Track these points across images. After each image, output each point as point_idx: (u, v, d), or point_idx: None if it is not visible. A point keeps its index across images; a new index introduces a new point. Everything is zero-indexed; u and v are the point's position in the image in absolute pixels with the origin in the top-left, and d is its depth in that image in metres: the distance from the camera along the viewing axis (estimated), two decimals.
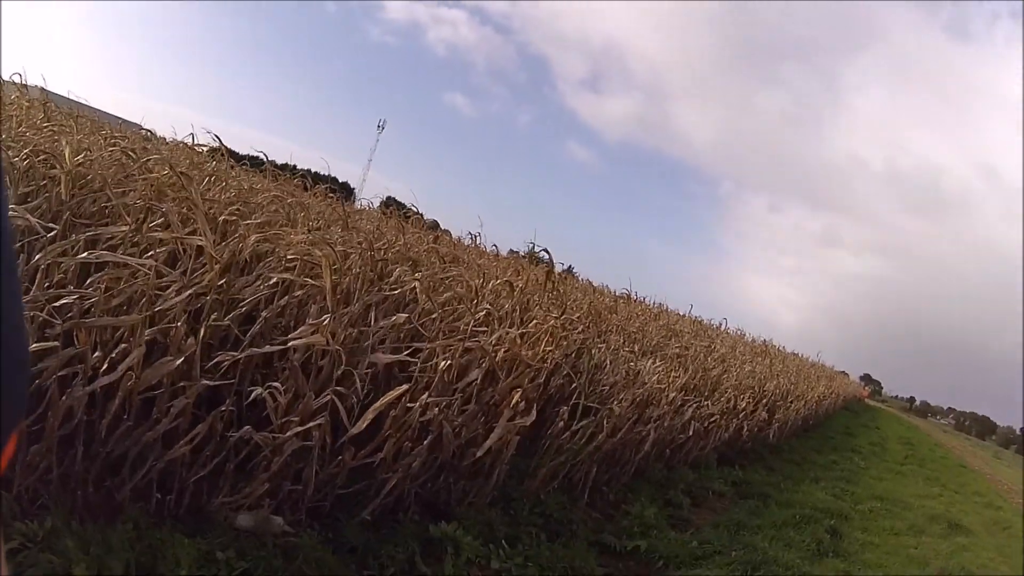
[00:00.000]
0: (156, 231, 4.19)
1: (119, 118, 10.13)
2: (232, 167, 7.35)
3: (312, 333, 3.96)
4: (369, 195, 38.64)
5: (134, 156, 4.92)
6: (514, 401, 5.02)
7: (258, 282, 4.55)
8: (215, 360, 3.98)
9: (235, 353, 4.01)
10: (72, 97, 8.82)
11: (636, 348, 8.76)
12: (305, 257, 4.73)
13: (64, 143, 4.58)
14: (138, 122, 8.67)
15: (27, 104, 6.30)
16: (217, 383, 3.95)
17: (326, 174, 12.61)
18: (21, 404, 0.56)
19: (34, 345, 3.50)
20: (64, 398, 3.64)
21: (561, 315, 6.09)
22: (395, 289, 5.02)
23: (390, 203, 9.78)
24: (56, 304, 3.67)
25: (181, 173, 4.55)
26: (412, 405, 4.43)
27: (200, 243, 3.89)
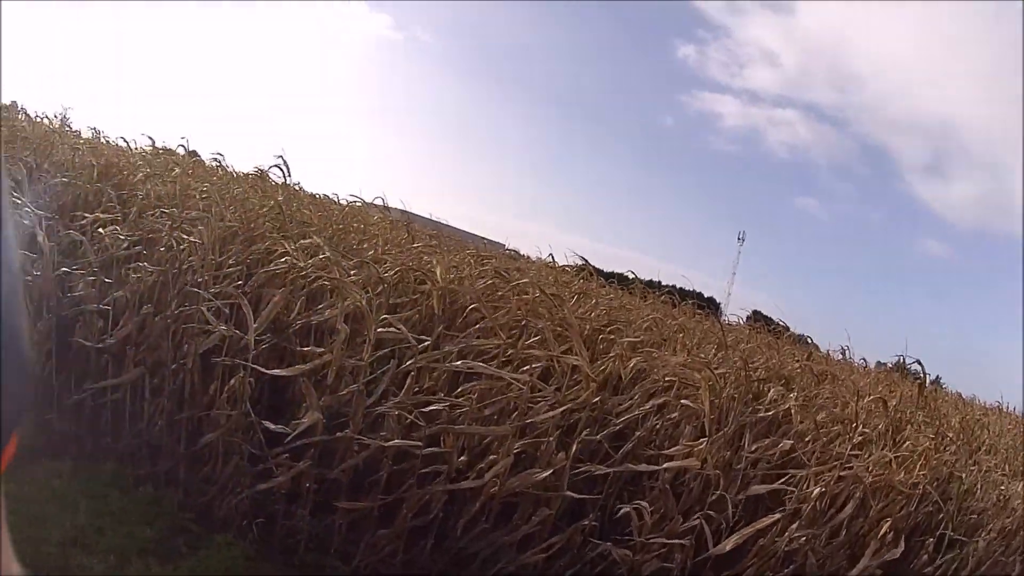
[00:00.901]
0: (532, 348, 4.32)
1: (481, 237, 10.96)
2: (602, 285, 7.59)
3: (686, 455, 3.81)
4: (734, 309, 38.57)
5: (506, 276, 5.19)
6: (882, 532, 4.44)
7: (631, 402, 4.51)
8: (582, 472, 3.97)
9: (604, 467, 3.99)
10: (433, 218, 9.65)
11: (1007, 468, 7.49)
12: (682, 378, 4.61)
13: (435, 261, 4.96)
14: (501, 241, 9.27)
15: (390, 225, 7.00)
16: (582, 496, 3.92)
17: (691, 289, 12.66)
18: (22, 405, 0.54)
19: (398, 440, 3.76)
20: (423, 492, 3.84)
21: (935, 435, 5.36)
22: (769, 410, 4.71)
23: (757, 317, 9.48)
24: (424, 409, 3.86)
25: (552, 295, 4.73)
26: (780, 537, 4.04)
27: (576, 362, 3.94)
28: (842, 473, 4.37)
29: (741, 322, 10.53)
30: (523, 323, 4.59)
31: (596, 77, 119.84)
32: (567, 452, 3.89)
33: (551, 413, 3.86)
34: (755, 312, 9.92)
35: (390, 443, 3.76)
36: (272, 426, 3.77)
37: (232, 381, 3.95)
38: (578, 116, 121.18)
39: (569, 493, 3.93)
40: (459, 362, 4.13)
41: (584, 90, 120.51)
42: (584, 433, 4.06)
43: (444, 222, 9.68)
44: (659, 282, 14.88)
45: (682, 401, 4.50)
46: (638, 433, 4.39)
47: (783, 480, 4.31)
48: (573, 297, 6.10)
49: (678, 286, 10.26)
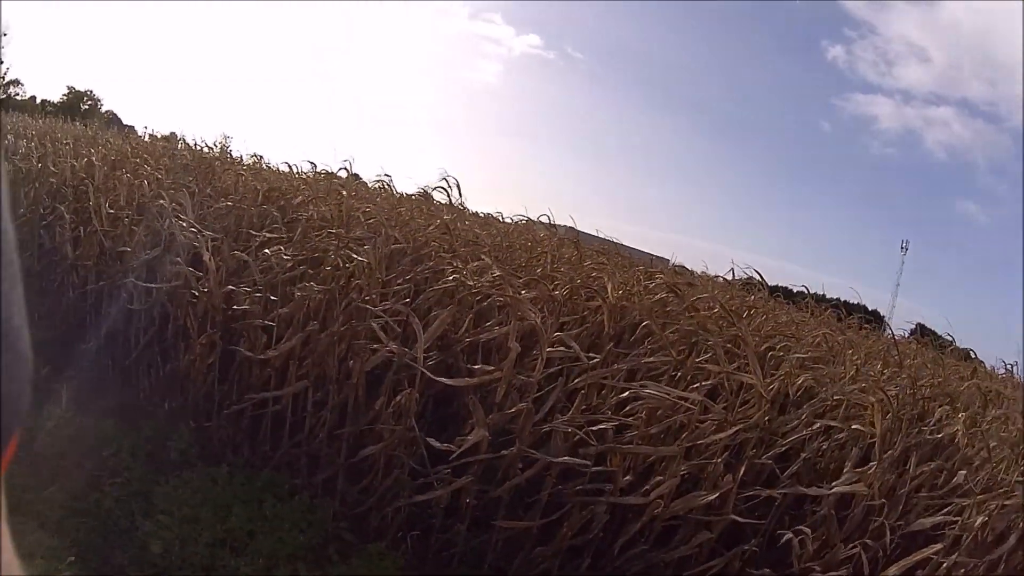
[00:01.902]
0: (702, 364, 4.35)
1: (646, 252, 10.95)
2: (773, 300, 7.58)
3: (855, 481, 3.78)
4: (899, 322, 37.45)
5: (679, 292, 5.25)
6: None
7: (797, 422, 4.48)
8: (747, 495, 3.97)
9: (771, 490, 3.98)
10: (601, 235, 9.61)
11: None
12: (850, 398, 4.58)
13: (605, 278, 5.05)
14: (667, 257, 9.24)
15: (558, 242, 7.13)
16: (744, 520, 3.91)
17: (856, 303, 12.41)
18: (22, 406, 0.53)
19: (566, 458, 3.83)
20: (584, 512, 3.89)
21: None
22: (935, 432, 4.62)
23: (923, 332, 9.25)
24: (593, 428, 3.92)
25: (731, 310, 4.76)
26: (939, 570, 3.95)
27: (751, 380, 3.95)
28: (1006, 502, 4.25)
29: (905, 336, 10.22)
30: (693, 340, 4.62)
31: (747, 85, 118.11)
32: (734, 474, 3.90)
33: (722, 435, 3.87)
34: (919, 325, 9.58)
35: (558, 460, 3.83)
36: (437, 444, 3.88)
37: (399, 396, 4.09)
38: (729, 125, 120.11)
39: (733, 517, 3.92)
40: (629, 382, 4.19)
41: (735, 99, 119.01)
42: (751, 454, 4.06)
43: (609, 238, 9.64)
44: (823, 295, 14.63)
45: (853, 425, 4.45)
46: (804, 455, 4.35)
47: (947, 510, 4.22)
48: (743, 312, 6.06)
49: (842, 299, 10.08)
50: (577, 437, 3.89)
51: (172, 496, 4.36)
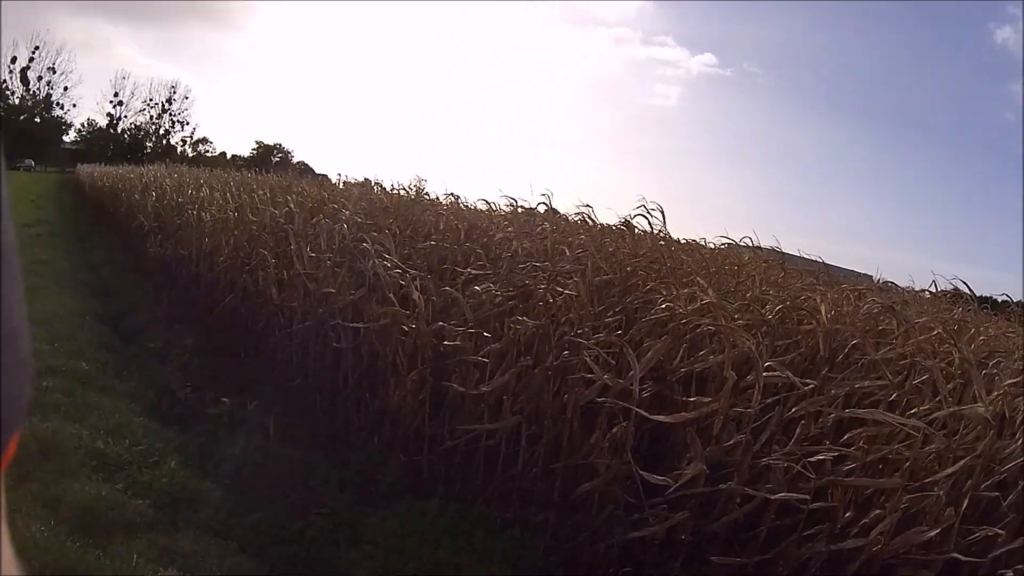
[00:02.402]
0: (919, 389, 4.17)
1: (851, 271, 10.70)
2: (980, 311, 7.26)
3: None
4: None
5: (895, 310, 5.08)
6: None
7: (1015, 446, 4.19)
8: (972, 532, 3.73)
9: (992, 528, 3.72)
10: (803, 254, 9.42)
11: None
12: None
13: (819, 300, 4.94)
14: (870, 274, 8.97)
15: (765, 264, 7.05)
16: (965, 559, 3.66)
17: None
18: (22, 407, 0.51)
19: (785, 494, 3.70)
20: (802, 548, 3.75)
21: None
22: None
23: None
24: (811, 459, 3.80)
25: (954, 329, 4.56)
26: None
27: (980, 410, 3.73)
28: None
29: None
30: (910, 362, 4.42)
31: (922, 83, 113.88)
32: (955, 507, 3.66)
33: (951, 469, 3.65)
34: None
35: (776, 496, 3.74)
36: (654, 478, 3.87)
37: (614, 430, 4.10)
38: (909, 127, 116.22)
39: (956, 555, 3.68)
40: (847, 410, 4.05)
41: (912, 99, 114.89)
42: (971, 484, 3.79)
43: (812, 256, 9.44)
44: None
45: None
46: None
47: None
48: (953, 327, 5.77)
49: None
50: (795, 471, 3.79)
51: (379, 527, 4.49)
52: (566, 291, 4.51)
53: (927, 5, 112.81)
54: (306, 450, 5.33)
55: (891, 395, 4.20)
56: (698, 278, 4.88)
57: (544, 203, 7.14)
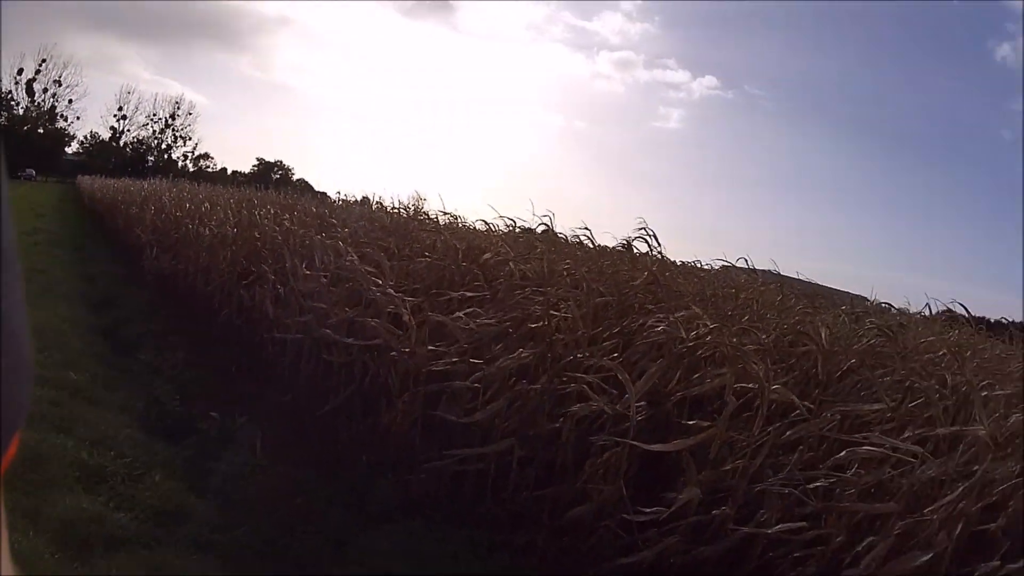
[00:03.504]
0: (915, 412, 4.16)
1: (847, 292, 10.66)
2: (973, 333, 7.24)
3: None
4: None
5: (890, 334, 5.08)
6: None
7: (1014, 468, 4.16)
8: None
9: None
10: (801, 276, 9.34)
11: None
12: None
13: (818, 322, 4.94)
14: (865, 295, 8.94)
15: (761, 287, 7.06)
16: None
17: None
18: (22, 408, 0.52)
19: (779, 526, 3.68)
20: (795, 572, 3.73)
21: None
22: None
23: None
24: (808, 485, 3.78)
25: (955, 350, 4.56)
26: None
27: (981, 433, 3.72)
28: None
29: None
30: (907, 384, 4.41)
31: (921, 101, 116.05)
32: (948, 532, 3.63)
33: (950, 497, 3.62)
34: None
35: (773, 530, 3.71)
36: (646, 511, 3.84)
37: (606, 455, 4.09)
38: (907, 147, 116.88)
39: None
40: (843, 434, 4.04)
41: (910, 118, 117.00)
42: (965, 507, 3.74)
43: (809, 279, 9.38)
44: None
45: None
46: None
47: None
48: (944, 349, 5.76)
49: None
50: (792, 496, 3.77)
51: (367, 547, 4.47)
52: (562, 314, 4.51)
53: (926, 24, 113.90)
54: (295, 467, 5.28)
55: (888, 418, 4.20)
56: (694, 306, 4.89)
57: (545, 224, 7.16)
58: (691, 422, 4.19)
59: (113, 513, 4.37)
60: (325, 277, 6.08)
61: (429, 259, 6.09)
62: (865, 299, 8.58)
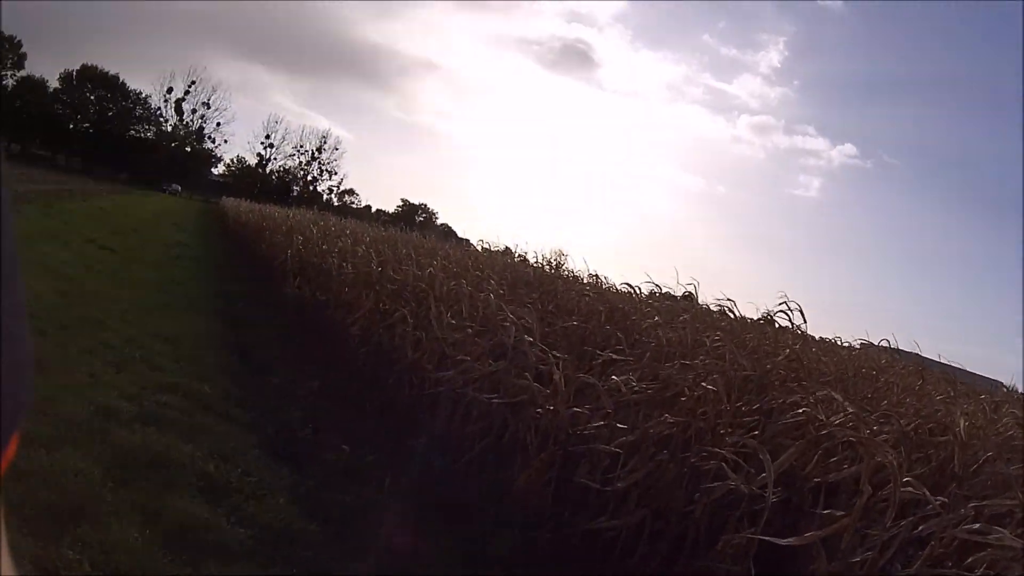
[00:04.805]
0: None
1: (987, 378, 10.31)
2: None
3: None
4: None
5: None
6: None
7: None
8: None
9: None
10: (942, 359, 8.98)
11: None
12: None
13: (958, 412, 4.85)
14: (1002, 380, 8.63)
15: (903, 370, 6.93)
16: None
17: None
18: (22, 407, 0.52)
19: None
20: None
21: None
22: None
23: None
24: None
25: None
26: None
27: None
28: None
29: None
30: None
31: None
32: None
33: None
34: None
35: None
36: None
37: (738, 538, 4.11)
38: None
39: None
40: (973, 530, 3.94)
41: None
42: None
43: (952, 363, 9.01)
44: None
45: None
46: None
47: None
48: None
49: None
50: None
51: None
52: (707, 386, 4.56)
53: None
54: (420, 510, 5.41)
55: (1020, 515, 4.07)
56: (828, 382, 4.85)
57: (690, 292, 7.24)
58: (825, 511, 4.16)
59: (231, 527, 4.56)
60: (470, 328, 6.26)
61: (575, 321, 6.21)
62: (1002, 384, 8.24)
